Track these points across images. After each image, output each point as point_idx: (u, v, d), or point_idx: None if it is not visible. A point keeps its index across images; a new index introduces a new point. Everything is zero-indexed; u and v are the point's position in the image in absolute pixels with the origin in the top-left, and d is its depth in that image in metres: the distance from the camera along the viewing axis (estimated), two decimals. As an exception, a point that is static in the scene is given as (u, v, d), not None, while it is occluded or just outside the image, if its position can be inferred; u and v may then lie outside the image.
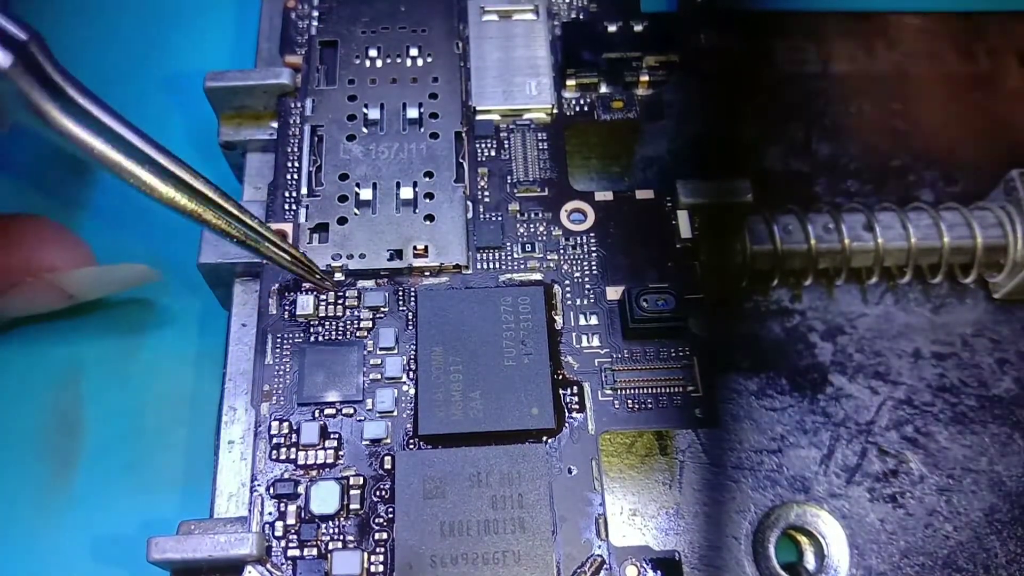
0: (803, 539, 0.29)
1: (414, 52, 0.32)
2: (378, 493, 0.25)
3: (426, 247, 0.28)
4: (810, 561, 0.29)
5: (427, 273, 0.28)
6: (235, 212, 0.25)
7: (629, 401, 0.27)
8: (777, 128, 0.36)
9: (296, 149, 0.30)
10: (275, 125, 0.31)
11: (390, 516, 0.25)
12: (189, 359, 0.32)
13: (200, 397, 0.32)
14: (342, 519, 0.25)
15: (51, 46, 0.25)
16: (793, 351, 0.32)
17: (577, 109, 0.31)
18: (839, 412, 0.31)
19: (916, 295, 0.33)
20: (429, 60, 0.32)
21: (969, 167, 0.36)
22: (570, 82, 0.32)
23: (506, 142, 0.30)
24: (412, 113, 0.30)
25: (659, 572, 0.25)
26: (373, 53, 0.32)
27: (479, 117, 0.31)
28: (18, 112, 0.21)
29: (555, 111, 0.31)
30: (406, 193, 0.29)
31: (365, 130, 0.30)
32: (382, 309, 0.28)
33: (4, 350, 0.32)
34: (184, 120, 0.35)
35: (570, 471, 0.25)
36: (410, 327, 0.27)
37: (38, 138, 0.30)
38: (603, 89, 0.32)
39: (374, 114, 0.30)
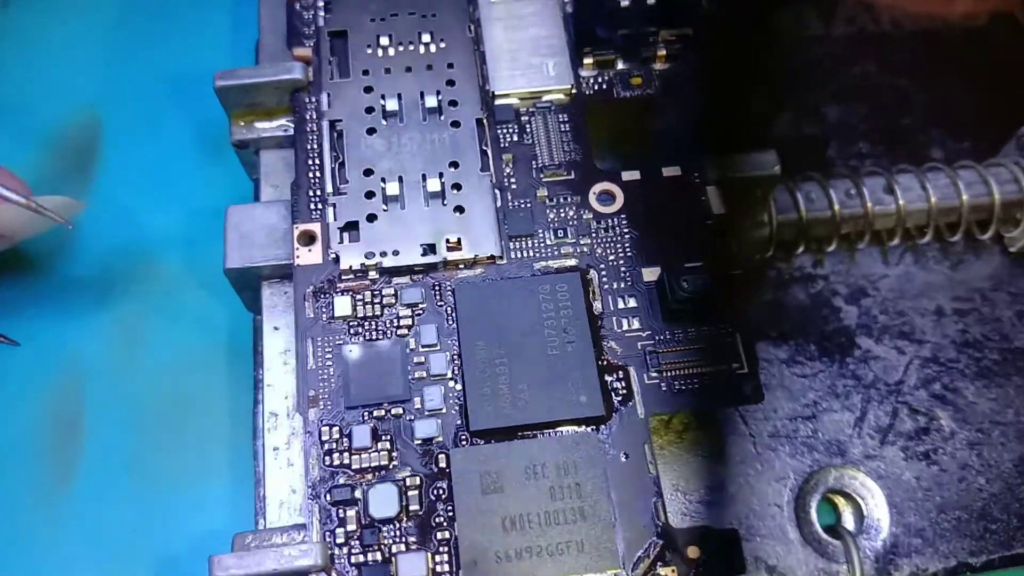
0: (842, 501, 0.30)
1: (426, 38, 0.31)
2: (435, 492, 0.25)
3: (459, 240, 0.28)
4: (850, 522, 0.30)
5: (461, 266, 0.28)
6: None
7: (675, 383, 0.27)
8: (786, 94, 0.36)
9: (316, 146, 0.29)
10: (287, 121, 0.30)
11: (450, 515, 0.25)
12: (189, 359, 0.32)
13: (199, 397, 0.31)
14: (403, 521, 0.25)
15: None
16: (819, 316, 0.32)
17: (596, 88, 0.31)
18: (868, 374, 0.32)
19: (934, 253, 0.34)
20: (442, 45, 0.31)
21: (976, 122, 0.36)
22: (587, 60, 0.31)
23: (528, 126, 0.30)
24: (431, 102, 0.30)
25: (717, 547, 0.26)
26: (384, 41, 0.31)
27: (498, 102, 0.30)
28: None
29: (574, 91, 0.31)
30: (433, 185, 0.28)
31: (384, 122, 0.30)
32: (420, 305, 0.27)
33: (4, 350, 0.32)
34: (189, 120, 0.34)
35: (624, 456, 0.26)
36: (450, 322, 0.27)
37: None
38: (620, 66, 0.31)
39: (392, 105, 0.30)
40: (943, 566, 0.29)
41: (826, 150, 0.35)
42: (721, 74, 0.33)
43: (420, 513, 0.25)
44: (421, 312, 0.27)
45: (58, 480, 0.30)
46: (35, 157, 0.35)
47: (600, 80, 0.31)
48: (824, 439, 0.31)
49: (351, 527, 0.25)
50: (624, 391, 0.27)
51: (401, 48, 0.31)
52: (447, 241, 0.28)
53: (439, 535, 0.25)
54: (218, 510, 0.30)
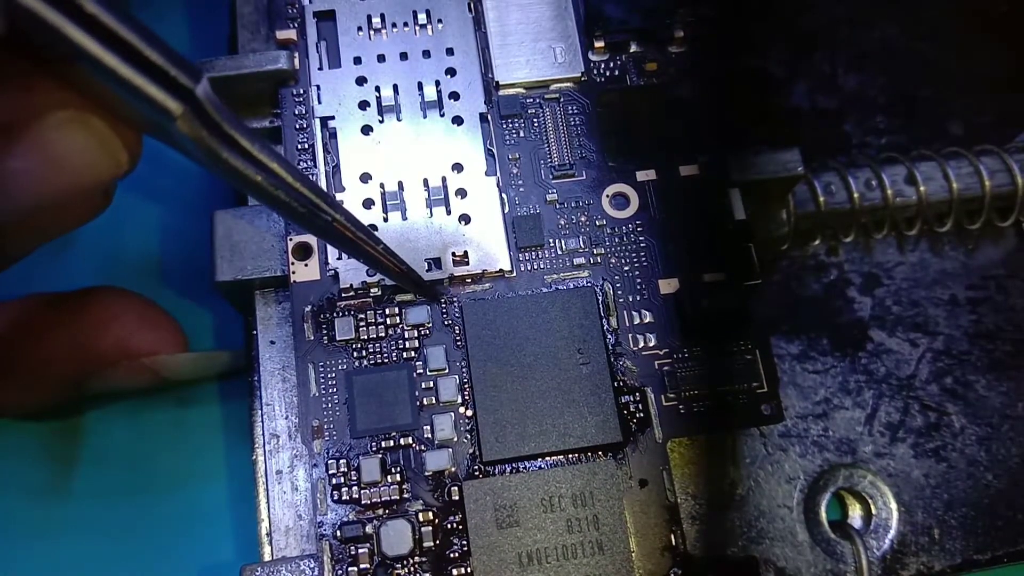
0: (851, 499, 0.30)
1: (422, 18, 0.28)
2: (449, 526, 0.24)
3: (465, 252, 0.26)
4: (859, 521, 0.30)
5: (468, 280, 0.26)
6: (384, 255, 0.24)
7: (694, 404, 0.26)
8: (802, 61, 0.34)
9: (307, 146, 0.27)
10: (273, 114, 0.28)
11: (464, 549, 0.24)
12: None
13: (199, 394, 0.30)
14: (416, 557, 0.24)
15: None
16: (832, 308, 0.31)
17: (607, 74, 0.29)
18: (880, 369, 0.31)
19: (950, 238, 0.32)
20: (440, 27, 0.28)
21: (999, 93, 0.34)
22: (597, 44, 0.29)
23: (535, 119, 0.28)
24: (429, 93, 0.27)
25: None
26: (376, 22, 0.28)
27: (503, 92, 0.28)
28: (193, 153, 0.20)
29: (584, 79, 0.28)
30: (436, 192, 0.27)
31: (380, 119, 0.27)
32: (427, 326, 0.26)
33: None
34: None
35: (642, 484, 0.25)
36: (458, 342, 0.26)
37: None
38: (633, 48, 0.29)
39: (388, 98, 0.27)
40: (949, 563, 0.29)
41: (842, 125, 0.33)
42: (735, 42, 0.31)
43: (434, 549, 0.24)
44: (428, 333, 0.26)
45: (57, 481, 0.29)
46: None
47: (612, 65, 0.29)
48: (835, 437, 0.30)
49: (364, 565, 0.24)
50: (641, 414, 0.26)
51: (395, 29, 0.28)
52: (453, 254, 0.26)
53: (454, 571, 0.24)
54: (218, 511, 0.29)
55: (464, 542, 0.24)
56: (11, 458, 0.29)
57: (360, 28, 0.28)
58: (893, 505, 0.30)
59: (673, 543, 0.25)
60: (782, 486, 0.30)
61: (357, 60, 0.28)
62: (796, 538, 0.29)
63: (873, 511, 0.29)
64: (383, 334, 0.26)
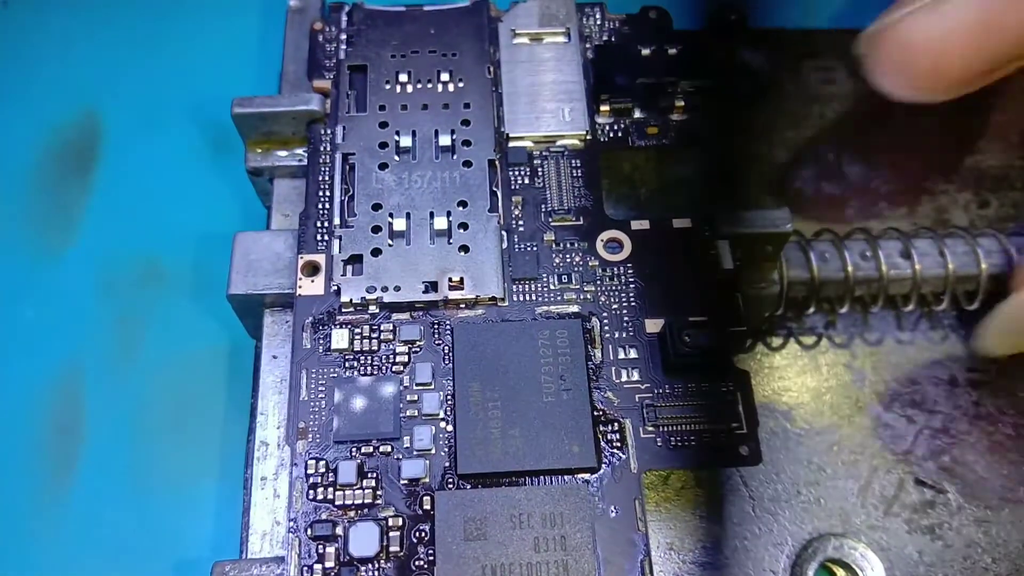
0: (841, 572, 0.29)
1: (445, 77, 0.31)
2: (417, 534, 0.25)
3: (461, 279, 0.28)
4: (849, 595, 0.29)
5: (462, 305, 0.28)
6: None
7: (672, 438, 0.26)
8: (808, 149, 0.36)
9: (327, 177, 0.29)
10: (303, 151, 0.30)
11: (431, 559, 0.24)
12: (191, 363, 0.32)
13: (199, 405, 0.31)
14: (382, 561, 0.24)
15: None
16: (829, 380, 0.32)
17: (611, 135, 0.31)
18: (876, 442, 0.31)
19: (950, 321, 0.33)
20: (460, 85, 0.31)
21: (1003, 187, 0.35)
22: (603, 107, 0.31)
23: (540, 169, 0.30)
24: (444, 140, 0.30)
25: (704, 614, 0.25)
26: (403, 78, 0.31)
27: (512, 144, 0.30)
28: None
29: (588, 137, 0.31)
30: (440, 223, 0.28)
31: (397, 158, 0.30)
32: (418, 343, 0.27)
33: (4, 351, 0.32)
34: (209, 145, 0.35)
35: (613, 511, 0.25)
36: (446, 361, 0.27)
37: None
38: (637, 114, 0.31)
39: (406, 141, 0.30)
40: (944, 647, 0.28)
41: (845, 208, 0.35)
42: (739, 123, 0.33)
43: (400, 555, 0.24)
44: (418, 350, 0.27)
45: (56, 482, 0.30)
46: (35, 157, 0.35)
47: (616, 128, 0.31)
48: (826, 506, 0.30)
49: (329, 564, 0.24)
50: (618, 444, 0.26)
51: (420, 85, 0.31)
52: (450, 280, 0.28)
53: (418, 579, 0.24)
54: (204, 511, 0.30)
55: (431, 551, 0.24)
56: (11, 457, 0.31)
57: (388, 81, 0.31)
58: (885, 580, 0.29)
59: (640, 573, 0.24)
60: (769, 550, 0.29)
61: (382, 107, 0.30)
62: (781, 604, 0.28)
63: (864, 584, 0.29)
64: (375, 348, 0.27)
